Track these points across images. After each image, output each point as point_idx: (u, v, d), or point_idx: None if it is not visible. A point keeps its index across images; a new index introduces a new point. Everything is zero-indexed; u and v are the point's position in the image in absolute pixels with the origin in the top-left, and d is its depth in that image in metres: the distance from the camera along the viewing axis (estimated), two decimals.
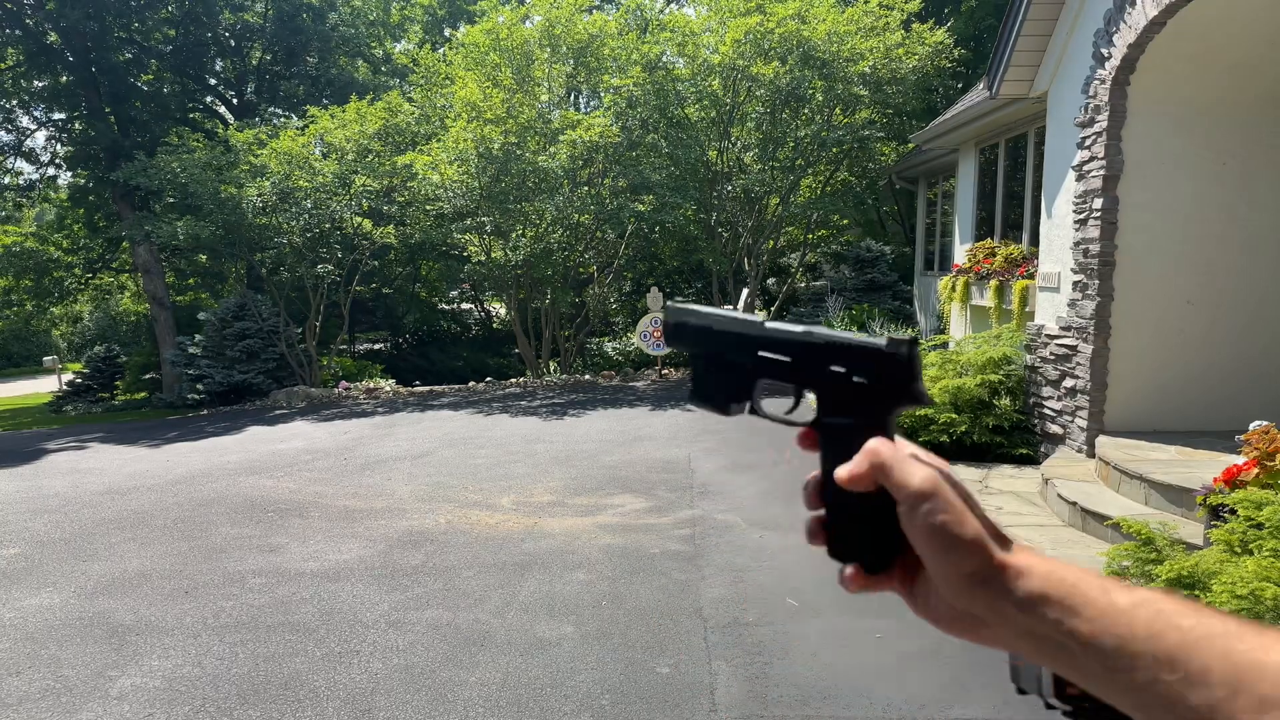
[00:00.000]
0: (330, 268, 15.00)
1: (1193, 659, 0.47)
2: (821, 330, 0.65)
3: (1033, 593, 0.52)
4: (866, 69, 12.40)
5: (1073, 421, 6.52)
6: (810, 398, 0.67)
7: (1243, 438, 4.12)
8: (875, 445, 0.58)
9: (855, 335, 0.65)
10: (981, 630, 0.55)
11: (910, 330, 10.41)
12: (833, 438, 0.63)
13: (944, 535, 0.54)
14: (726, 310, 0.71)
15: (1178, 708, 0.46)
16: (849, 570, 0.60)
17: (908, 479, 0.56)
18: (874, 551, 0.59)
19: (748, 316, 0.69)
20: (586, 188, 14.08)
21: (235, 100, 22.24)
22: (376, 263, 17.90)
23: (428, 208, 14.09)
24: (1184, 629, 0.48)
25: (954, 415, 6.93)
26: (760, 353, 0.67)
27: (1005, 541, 0.56)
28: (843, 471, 0.59)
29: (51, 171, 21.77)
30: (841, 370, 0.63)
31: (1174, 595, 0.51)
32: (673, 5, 23.34)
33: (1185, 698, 0.46)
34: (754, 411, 0.69)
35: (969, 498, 0.57)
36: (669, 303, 0.70)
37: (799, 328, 0.66)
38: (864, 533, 0.59)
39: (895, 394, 0.61)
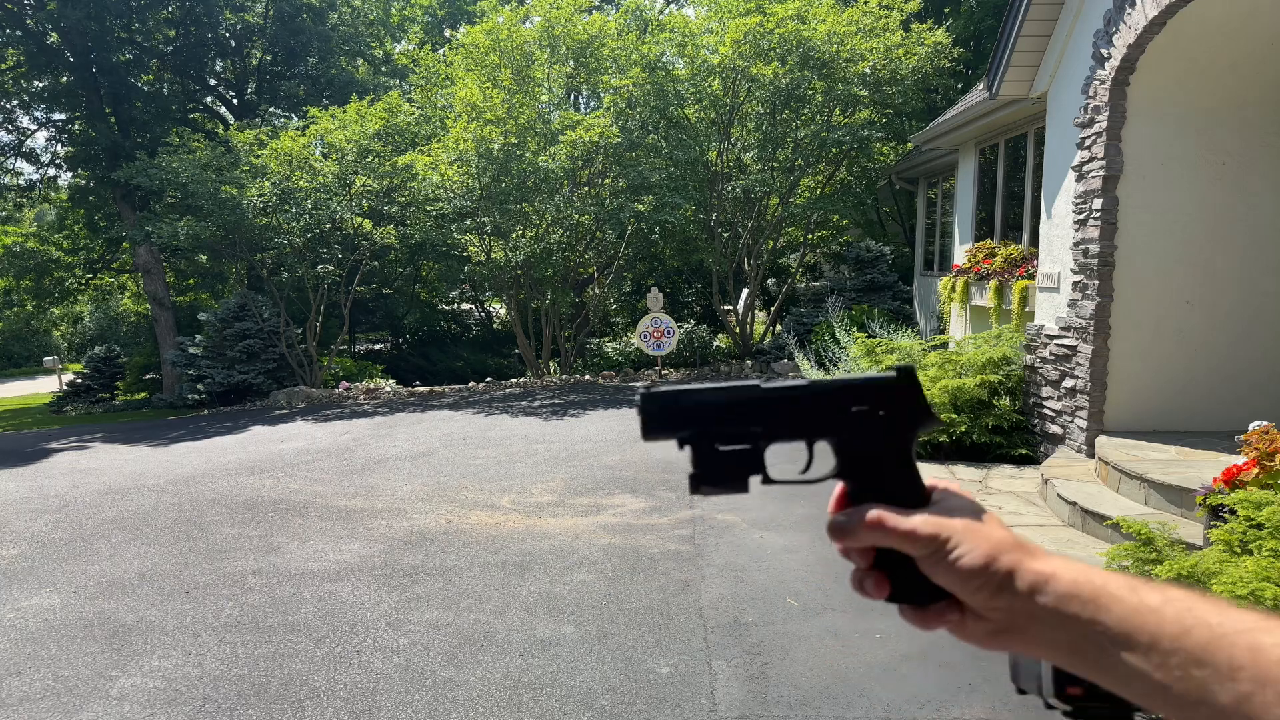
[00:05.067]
0: (330, 268, 15.00)
1: (1221, 654, 0.47)
2: (822, 378, 0.67)
3: (1061, 592, 0.54)
4: (866, 69, 12.40)
5: (1072, 421, 6.53)
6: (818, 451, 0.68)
7: (1242, 438, 4.12)
8: (873, 514, 0.61)
9: (855, 375, 0.68)
10: (1017, 638, 0.57)
11: (911, 331, 10.42)
12: (864, 479, 0.65)
13: (956, 572, 0.57)
14: (711, 384, 0.68)
15: (1207, 703, 0.47)
16: (908, 609, 0.62)
17: (909, 535, 0.60)
18: (926, 590, 0.61)
19: (739, 383, 0.67)
20: (586, 188, 14.07)
21: (236, 100, 22.25)
22: (377, 263, 17.91)
23: (428, 208, 14.09)
24: (1213, 625, 0.49)
25: (954, 415, 6.94)
26: (772, 412, 0.66)
27: (1028, 549, 0.58)
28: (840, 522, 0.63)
29: (52, 172, 21.79)
30: (864, 408, 0.65)
31: (1201, 592, 0.52)
32: (672, 6, 23.36)
33: (1215, 693, 0.47)
34: (768, 481, 0.67)
35: (975, 511, 0.60)
36: (644, 390, 0.68)
37: (799, 380, 0.67)
38: (911, 579, 0.61)
39: (914, 418, 0.65)
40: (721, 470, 0.66)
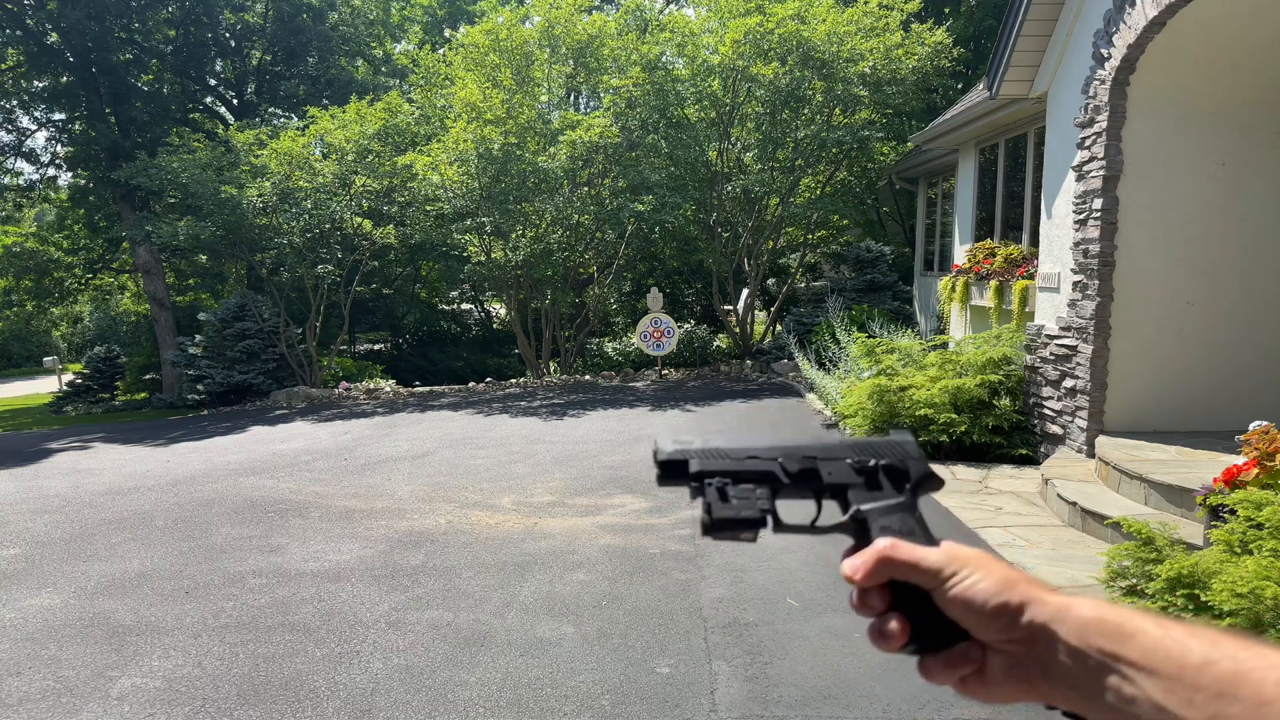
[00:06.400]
0: (330, 268, 15.00)
1: (1248, 689, 0.46)
2: (832, 436, 0.74)
3: (1083, 622, 0.53)
4: (866, 69, 12.39)
5: (1073, 422, 6.52)
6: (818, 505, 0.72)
7: (1242, 438, 4.12)
8: (884, 544, 0.62)
9: (862, 437, 0.74)
10: (1035, 673, 0.55)
11: (911, 331, 10.42)
12: (871, 537, 0.67)
13: (969, 601, 0.57)
14: (722, 439, 0.72)
15: None
16: (931, 661, 0.61)
17: (920, 564, 0.60)
18: (946, 628, 0.60)
19: (751, 439, 0.72)
20: (586, 188, 14.07)
21: (235, 100, 22.25)
22: (376, 263, 17.91)
23: (428, 208, 14.10)
24: (1240, 659, 0.47)
25: (954, 415, 6.93)
26: (783, 468, 0.70)
27: (1043, 585, 0.57)
28: (850, 567, 0.63)
29: (52, 172, 21.79)
30: (880, 462, 0.70)
31: (1228, 630, 0.51)
32: (672, 6, 23.34)
33: None
34: (780, 527, 0.70)
35: (987, 558, 0.60)
36: (665, 443, 0.71)
37: (808, 440, 0.72)
38: (930, 618, 0.61)
39: (919, 480, 0.70)
40: (734, 517, 0.68)
